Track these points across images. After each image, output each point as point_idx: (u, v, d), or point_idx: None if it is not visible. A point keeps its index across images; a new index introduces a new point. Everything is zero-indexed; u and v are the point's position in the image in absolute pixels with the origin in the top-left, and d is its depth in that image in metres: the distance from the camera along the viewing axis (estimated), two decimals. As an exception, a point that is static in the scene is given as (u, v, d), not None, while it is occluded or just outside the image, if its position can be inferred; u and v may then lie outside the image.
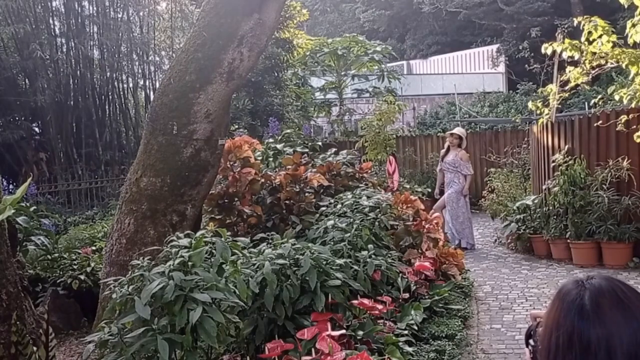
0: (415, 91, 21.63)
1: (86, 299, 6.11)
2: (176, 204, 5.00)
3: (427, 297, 5.80)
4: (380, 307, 4.68)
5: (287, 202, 6.66)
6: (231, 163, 6.54)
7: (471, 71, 24.29)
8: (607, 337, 1.36)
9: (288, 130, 10.10)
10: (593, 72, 8.41)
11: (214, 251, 3.70)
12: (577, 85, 8.70)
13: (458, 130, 10.25)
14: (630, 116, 8.11)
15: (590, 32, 7.99)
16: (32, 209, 6.07)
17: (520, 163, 12.03)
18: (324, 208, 6.52)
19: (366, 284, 4.91)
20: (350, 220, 5.88)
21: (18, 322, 3.65)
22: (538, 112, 9.17)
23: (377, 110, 12.86)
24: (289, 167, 7.05)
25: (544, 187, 9.03)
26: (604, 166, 8.32)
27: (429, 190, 11.55)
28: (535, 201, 9.17)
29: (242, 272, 3.77)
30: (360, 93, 18.73)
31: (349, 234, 5.55)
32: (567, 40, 8.30)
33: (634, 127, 8.02)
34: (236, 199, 6.47)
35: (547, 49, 8.35)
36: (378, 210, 6.27)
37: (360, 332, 4.36)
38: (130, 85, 13.51)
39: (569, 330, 1.40)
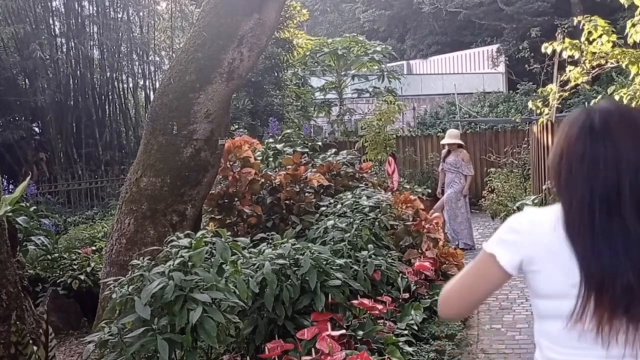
0: (415, 91, 21.61)
1: (86, 299, 6.10)
2: (176, 204, 5.00)
3: (427, 297, 5.79)
4: (380, 307, 4.68)
5: (287, 202, 6.66)
6: (231, 163, 6.54)
7: (471, 71, 24.28)
8: (615, 154, 1.45)
9: (288, 130, 10.08)
10: (593, 72, 8.40)
11: (214, 251, 3.70)
12: (577, 85, 8.69)
13: (450, 138, 9.90)
14: (630, 116, 8.10)
15: (590, 32, 7.98)
16: (32, 209, 6.06)
17: (520, 163, 12.02)
18: (324, 208, 6.51)
19: (366, 284, 4.90)
20: (350, 220, 5.88)
21: (18, 322, 3.65)
22: (538, 112, 9.16)
23: (377, 110, 12.84)
24: (289, 167, 7.05)
25: (544, 187, 9.02)
26: (604, 166, 8.29)
27: (429, 190, 11.53)
28: (535, 201, 9.15)
29: (242, 272, 3.77)
30: (360, 93, 18.70)
31: (349, 234, 5.55)
32: (567, 40, 8.29)
33: (634, 127, 8.00)
34: (236, 199, 6.47)
35: (547, 48, 8.35)
36: (378, 210, 6.27)
37: (360, 332, 4.36)
38: (130, 85, 13.49)
39: (579, 151, 1.48)
